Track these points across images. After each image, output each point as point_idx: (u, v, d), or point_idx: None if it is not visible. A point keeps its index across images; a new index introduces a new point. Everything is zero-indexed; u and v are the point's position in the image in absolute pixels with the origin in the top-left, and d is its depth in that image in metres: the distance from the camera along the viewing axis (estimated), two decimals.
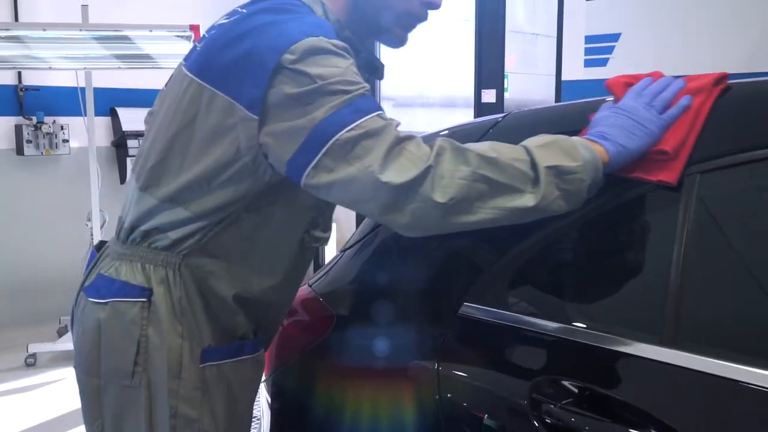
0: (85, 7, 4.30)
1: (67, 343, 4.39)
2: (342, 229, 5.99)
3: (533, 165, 1.15)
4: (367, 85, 1.20)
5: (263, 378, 1.65)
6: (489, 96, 5.02)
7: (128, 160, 5.14)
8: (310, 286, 1.63)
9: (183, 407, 1.29)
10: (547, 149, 1.17)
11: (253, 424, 1.53)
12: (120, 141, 5.17)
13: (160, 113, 1.37)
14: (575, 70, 4.41)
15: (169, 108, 1.32)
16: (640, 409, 1.05)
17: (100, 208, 4.53)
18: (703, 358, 1.02)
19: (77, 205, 4.89)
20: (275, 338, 1.59)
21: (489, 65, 5.04)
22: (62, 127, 4.94)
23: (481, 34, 5.05)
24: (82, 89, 4.51)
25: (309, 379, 1.51)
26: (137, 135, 5.19)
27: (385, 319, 1.43)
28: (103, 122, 5.14)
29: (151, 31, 4.25)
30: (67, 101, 4.92)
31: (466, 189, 1.12)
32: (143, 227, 1.34)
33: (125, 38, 4.28)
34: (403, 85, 6.33)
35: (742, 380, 0.98)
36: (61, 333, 4.62)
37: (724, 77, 1.21)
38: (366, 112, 1.15)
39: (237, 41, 1.23)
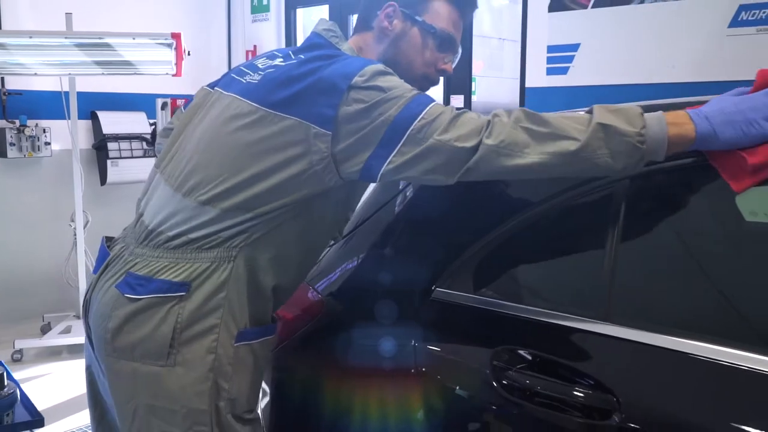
0: (69, 15, 4.44)
1: (51, 339, 4.54)
2: None
3: (589, 121, 1.30)
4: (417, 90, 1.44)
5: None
6: (458, 101, 5.24)
7: (108, 162, 5.28)
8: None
9: (219, 379, 1.46)
10: (610, 112, 1.30)
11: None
12: (101, 144, 5.30)
13: (197, 130, 1.57)
14: (538, 77, 4.63)
15: (215, 128, 1.52)
16: (581, 371, 1.28)
17: (83, 209, 4.68)
18: (631, 330, 1.26)
19: (59, 206, 5.03)
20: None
21: (457, 71, 5.24)
22: (44, 130, 5.06)
23: None
24: (66, 93, 4.64)
25: (304, 357, 1.73)
26: (117, 138, 5.34)
27: (368, 304, 1.66)
28: (83, 125, 5.26)
29: (134, 39, 4.41)
30: (49, 105, 5.03)
31: (515, 135, 1.31)
32: (186, 230, 1.48)
33: (107, 45, 4.44)
34: None
35: (662, 345, 1.22)
36: (44, 330, 4.75)
37: None
38: (426, 103, 1.39)
39: (302, 77, 1.45)
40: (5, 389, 1.39)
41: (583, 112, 1.33)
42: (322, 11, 6.07)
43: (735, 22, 3.88)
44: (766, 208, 1.74)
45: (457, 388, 1.46)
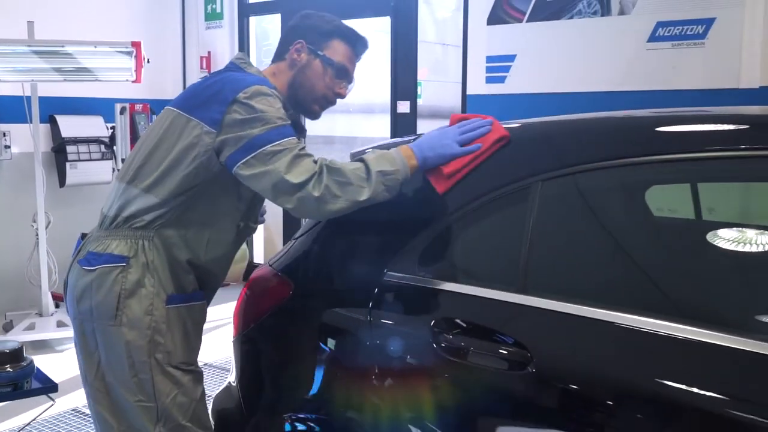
0: (31, 23, 4.62)
1: (14, 336, 4.69)
2: (272, 235, 6.46)
3: (368, 171, 1.78)
4: (288, 120, 1.87)
5: (233, 338, 2.16)
6: (404, 107, 5.57)
7: (68, 165, 5.44)
8: (271, 265, 2.14)
9: (154, 335, 1.89)
10: (377, 160, 1.81)
11: (224, 375, 2.03)
12: (60, 147, 5.46)
13: (150, 136, 2.00)
14: (478, 85, 4.98)
15: (156, 133, 1.97)
16: (503, 333, 1.61)
17: (45, 210, 4.86)
18: (542, 299, 1.59)
19: (20, 208, 5.17)
20: (241, 304, 2.11)
21: (403, 78, 5.58)
22: (4, 134, 5.21)
23: (396, 51, 5.59)
24: (28, 98, 4.80)
25: (273, 333, 2.02)
26: (76, 141, 5.51)
27: (331, 285, 1.97)
28: (42, 129, 5.41)
29: (95, 47, 4.62)
30: (9, 109, 5.16)
31: (331, 187, 1.77)
32: (125, 214, 1.93)
33: (67, 53, 4.63)
34: None
35: (566, 311, 1.55)
36: (6, 328, 4.90)
37: (504, 137, 1.79)
38: (285, 135, 1.83)
39: (209, 87, 1.94)
40: (24, 361, 1.65)
41: (357, 161, 1.82)
42: (275, 19, 6.34)
43: (653, 38, 4.30)
44: (669, 206, 2.12)
45: (407, 355, 1.77)
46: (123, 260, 1.89)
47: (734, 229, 1.75)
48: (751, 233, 1.73)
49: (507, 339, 1.59)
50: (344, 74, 2.09)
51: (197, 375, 1.99)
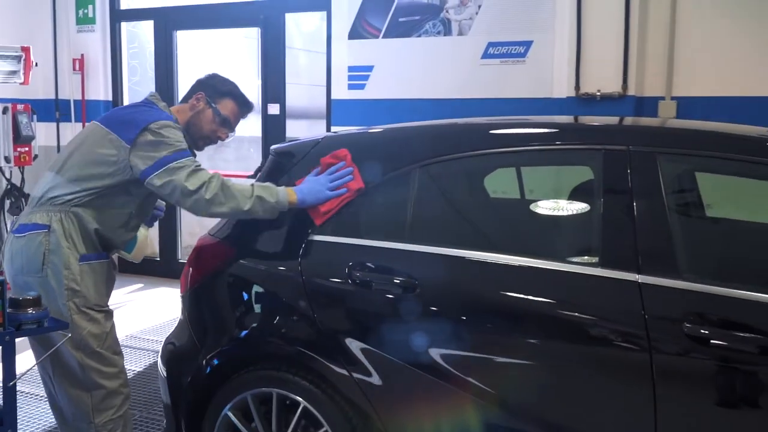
0: None
1: None
2: None
3: (252, 194, 2.48)
4: (187, 146, 2.60)
5: (181, 294, 2.79)
6: (274, 109, 6.21)
7: None
8: (212, 234, 2.79)
9: (71, 284, 2.55)
10: (262, 189, 2.50)
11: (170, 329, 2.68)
12: None
13: (75, 140, 2.69)
14: (341, 91, 5.71)
15: (80, 139, 2.68)
16: (399, 269, 2.38)
17: None
18: (423, 246, 2.38)
19: None
20: (190, 267, 2.74)
21: (272, 82, 6.21)
22: None
23: (266, 58, 6.22)
24: None
25: (219, 287, 2.68)
26: None
27: (265, 247, 2.65)
28: None
29: None
30: None
31: (219, 194, 2.47)
32: (49, 195, 2.59)
33: None
34: None
35: (440, 253, 2.34)
36: None
37: (361, 188, 2.49)
38: (185, 156, 2.55)
39: (128, 114, 2.67)
40: (42, 306, 2.22)
41: (249, 185, 2.54)
42: (148, 25, 6.76)
43: (485, 55, 5.25)
44: (502, 189, 2.99)
45: (330, 290, 2.49)
46: (45, 228, 2.55)
47: (549, 201, 2.63)
48: (561, 203, 2.60)
49: (401, 272, 2.37)
50: (227, 125, 2.81)
51: (107, 314, 2.68)
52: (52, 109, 6.68)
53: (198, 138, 2.78)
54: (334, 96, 5.81)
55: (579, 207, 2.50)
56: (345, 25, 5.67)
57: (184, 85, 6.56)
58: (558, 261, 2.25)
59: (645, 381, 2.03)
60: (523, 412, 2.22)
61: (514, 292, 2.24)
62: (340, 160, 2.54)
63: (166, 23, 6.56)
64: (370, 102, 5.64)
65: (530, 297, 2.22)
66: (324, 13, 5.90)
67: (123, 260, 3.13)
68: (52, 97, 6.73)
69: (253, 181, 2.69)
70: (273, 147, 2.85)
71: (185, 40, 6.76)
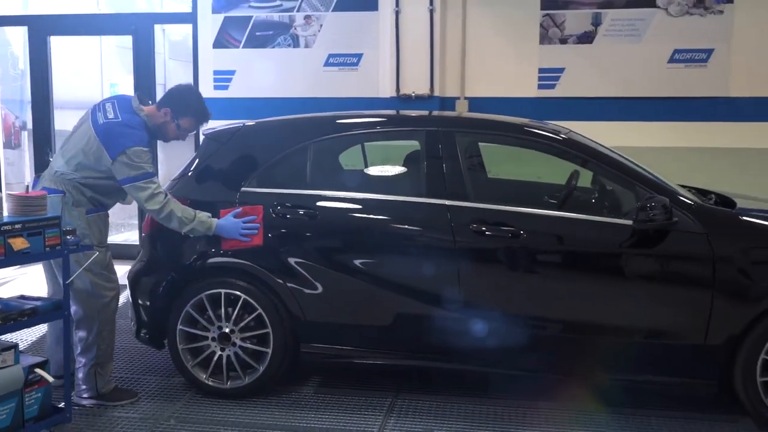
0: None
1: None
2: None
3: (192, 221, 3.72)
4: (152, 168, 3.72)
5: (143, 234, 4.05)
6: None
7: None
8: (169, 191, 4.05)
9: (81, 229, 3.64)
10: (199, 221, 3.71)
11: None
12: None
13: (77, 132, 3.81)
14: (208, 91, 6.84)
15: (80, 135, 3.77)
16: (305, 206, 3.81)
17: None
18: (319, 191, 3.84)
19: None
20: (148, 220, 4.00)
21: (144, 85, 7.21)
22: None
23: (138, 62, 7.22)
24: None
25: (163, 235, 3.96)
26: None
27: (206, 197, 3.97)
28: None
29: None
30: None
31: (167, 217, 3.70)
32: (61, 170, 3.74)
33: None
34: (71, 92, 8.12)
35: (331, 195, 3.81)
36: None
37: (258, 245, 3.77)
38: (151, 176, 3.70)
39: (114, 134, 3.68)
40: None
41: (194, 212, 3.75)
42: (22, 31, 7.48)
43: (327, 63, 6.67)
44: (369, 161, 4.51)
45: (277, 221, 3.86)
46: (61, 192, 3.68)
47: (385, 166, 4.18)
48: (396, 169, 4.15)
49: (308, 210, 3.80)
50: (185, 133, 3.98)
51: (107, 248, 3.86)
52: None
53: (161, 136, 3.92)
54: (204, 95, 6.93)
55: (413, 165, 4.07)
56: (209, 35, 6.84)
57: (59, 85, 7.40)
58: (400, 195, 3.80)
59: (452, 260, 3.63)
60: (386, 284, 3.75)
61: (374, 215, 3.77)
62: (256, 214, 3.76)
63: (39, 30, 7.23)
64: (233, 100, 6.85)
65: (381, 217, 3.76)
66: (191, 26, 7.04)
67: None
68: None
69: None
70: (205, 131, 4.16)
71: (60, 46, 7.48)
